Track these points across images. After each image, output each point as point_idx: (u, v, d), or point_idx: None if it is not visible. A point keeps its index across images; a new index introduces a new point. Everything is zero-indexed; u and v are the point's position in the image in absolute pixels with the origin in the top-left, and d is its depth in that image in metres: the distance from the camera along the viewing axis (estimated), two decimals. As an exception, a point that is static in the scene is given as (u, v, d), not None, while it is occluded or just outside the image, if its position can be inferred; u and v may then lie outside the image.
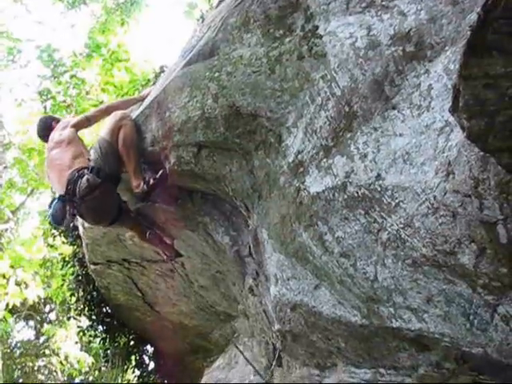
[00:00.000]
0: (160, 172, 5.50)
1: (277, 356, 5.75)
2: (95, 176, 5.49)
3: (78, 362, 15.68)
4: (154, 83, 8.55)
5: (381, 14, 3.75)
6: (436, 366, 3.82)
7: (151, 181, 5.45)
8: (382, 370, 4.27)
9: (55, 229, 10.40)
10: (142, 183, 5.49)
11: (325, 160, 4.05)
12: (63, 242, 10.73)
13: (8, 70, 17.31)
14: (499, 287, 3.21)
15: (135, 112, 6.06)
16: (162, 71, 8.88)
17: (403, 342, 3.92)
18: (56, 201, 5.76)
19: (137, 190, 5.53)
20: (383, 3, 3.78)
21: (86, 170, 5.55)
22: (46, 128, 6.66)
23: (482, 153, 2.90)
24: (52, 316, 18.12)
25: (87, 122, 6.35)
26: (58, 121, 6.69)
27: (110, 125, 5.71)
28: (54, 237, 10.75)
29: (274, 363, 5.86)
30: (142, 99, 6.29)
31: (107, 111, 6.22)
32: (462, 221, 3.19)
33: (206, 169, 5.28)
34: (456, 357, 3.62)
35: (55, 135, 6.22)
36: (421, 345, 3.81)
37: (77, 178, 5.54)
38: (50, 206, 6.16)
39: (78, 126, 6.26)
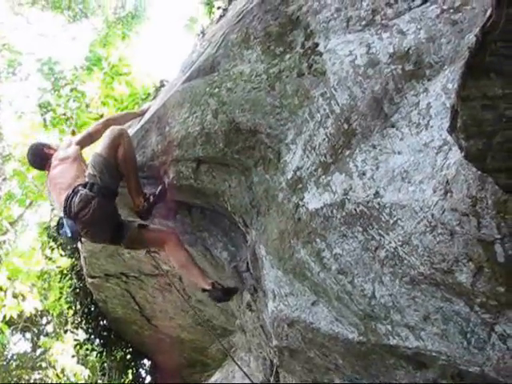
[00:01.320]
0: (159, 188, 5.50)
1: (274, 372, 5.75)
2: (88, 191, 5.45)
3: (75, 375, 15.63)
4: (153, 97, 8.58)
5: (380, 32, 3.78)
6: (433, 384, 3.82)
7: (151, 198, 5.44)
8: (378, 388, 4.27)
9: (53, 241, 10.39)
10: (143, 200, 5.47)
11: (323, 177, 4.06)
12: (61, 255, 10.73)
13: (8, 83, 17.36)
14: (496, 306, 3.22)
15: (135, 127, 6.08)
16: (162, 85, 8.90)
17: (400, 360, 3.92)
18: (63, 220, 5.71)
19: (137, 208, 5.52)
20: (383, 22, 3.80)
21: (80, 187, 5.51)
22: (39, 157, 6.50)
23: (479, 172, 2.91)
24: (49, 328, 18.06)
25: (90, 138, 6.28)
26: (48, 146, 6.53)
27: (108, 141, 5.65)
28: (52, 249, 10.75)
29: (271, 379, 5.85)
30: (142, 114, 6.29)
31: (107, 125, 6.19)
32: (460, 239, 3.19)
33: (205, 184, 5.30)
34: (453, 375, 3.62)
35: (59, 153, 6.17)
36: (418, 363, 3.81)
37: (72, 196, 5.50)
38: (60, 226, 6.02)
39: (83, 143, 6.20)
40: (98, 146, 5.80)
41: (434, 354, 3.61)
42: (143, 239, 5.84)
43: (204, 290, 5.65)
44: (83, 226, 5.55)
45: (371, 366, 4.21)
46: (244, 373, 6.30)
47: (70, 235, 5.68)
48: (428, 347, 3.61)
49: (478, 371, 3.43)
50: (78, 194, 5.43)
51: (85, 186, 5.46)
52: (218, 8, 8.50)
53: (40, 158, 6.44)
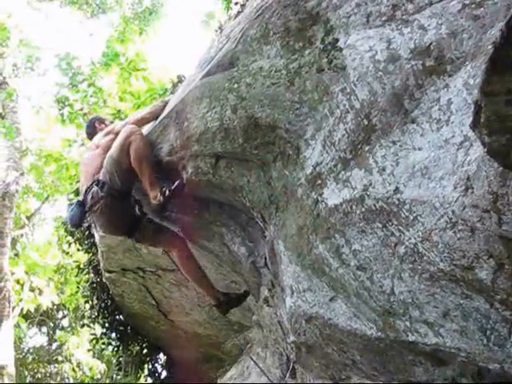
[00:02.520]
0: (176, 182, 5.52)
1: (291, 367, 5.75)
2: (99, 190, 5.57)
3: (90, 369, 15.72)
4: (171, 93, 8.60)
5: (401, 27, 3.76)
6: (452, 382, 3.80)
7: (167, 192, 5.46)
8: (397, 385, 4.26)
9: (71, 235, 10.46)
10: (159, 194, 5.50)
11: (343, 172, 4.05)
12: (78, 249, 10.78)
13: (26, 78, 17.45)
14: (517, 304, 3.21)
15: (153, 122, 6.09)
16: (180, 81, 8.92)
17: (419, 357, 3.91)
18: (75, 205, 5.89)
19: (154, 201, 5.55)
20: (403, 17, 3.79)
21: (95, 183, 5.65)
22: (89, 129, 6.99)
23: (501, 168, 2.90)
24: (65, 322, 18.18)
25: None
26: (101, 121, 6.91)
27: (119, 142, 5.74)
28: (70, 244, 10.81)
29: (287, 375, 5.85)
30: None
31: (142, 121, 6.26)
32: (481, 236, 3.18)
33: (224, 179, 5.30)
34: (473, 372, 3.60)
35: (96, 138, 6.34)
36: (437, 359, 3.80)
37: (91, 189, 5.65)
38: (69, 209, 6.28)
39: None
40: (112, 147, 5.86)
41: (453, 350, 3.59)
42: (155, 243, 5.99)
43: (213, 305, 5.79)
44: (96, 219, 5.74)
45: (389, 362, 4.20)
46: (260, 369, 6.32)
47: (69, 221, 6.17)
48: (447, 344, 3.60)
49: (497, 368, 3.41)
50: (91, 191, 5.57)
51: (98, 182, 5.58)
52: (236, 3, 8.50)
53: (89, 130, 6.95)
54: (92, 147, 6.30)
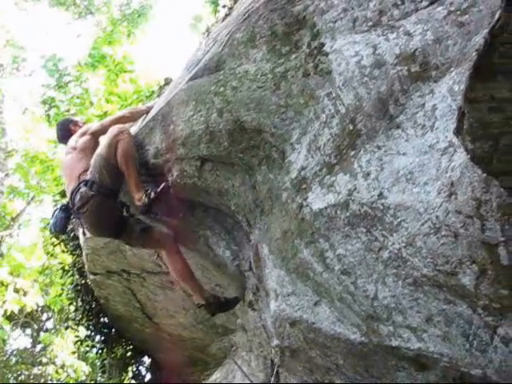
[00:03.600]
0: (162, 185, 5.50)
1: (275, 371, 5.74)
2: (88, 189, 5.53)
3: (75, 371, 15.62)
4: (158, 95, 8.58)
5: (387, 33, 3.78)
6: (435, 386, 3.81)
7: (152, 194, 5.44)
8: (380, 389, 4.26)
9: (55, 237, 10.40)
10: (144, 196, 5.48)
11: (328, 177, 4.06)
12: (63, 251, 10.72)
13: (12, 78, 17.38)
14: (499, 309, 3.22)
15: (139, 124, 6.08)
16: (167, 83, 8.91)
17: (402, 361, 3.92)
18: (58, 210, 5.87)
19: (138, 202, 5.53)
20: (389, 23, 3.81)
21: (82, 184, 5.61)
22: (63, 132, 6.74)
23: (484, 174, 2.92)
24: (49, 324, 18.07)
25: (102, 130, 6.30)
26: (75, 123, 6.78)
27: (107, 140, 5.71)
28: (54, 245, 10.75)
29: (271, 378, 5.84)
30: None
31: (120, 121, 6.23)
32: (464, 241, 3.20)
33: (209, 183, 5.30)
34: (455, 377, 3.62)
35: (72, 140, 6.27)
36: (420, 364, 3.81)
37: (77, 190, 5.61)
38: (52, 215, 6.22)
39: (96, 134, 6.25)
40: (100, 145, 5.84)
41: (435, 355, 3.61)
42: (144, 243, 5.95)
43: (199, 305, 5.74)
44: (84, 221, 5.69)
45: (373, 367, 4.21)
46: (243, 372, 6.31)
47: (52, 228, 6.16)
48: (430, 349, 3.62)
49: (480, 374, 3.43)
50: (79, 191, 5.54)
51: (86, 183, 5.54)
52: (224, 7, 8.49)
53: (63, 132, 6.74)
54: (69, 150, 6.21)
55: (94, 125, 6.48)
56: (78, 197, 5.58)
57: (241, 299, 5.88)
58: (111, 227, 5.82)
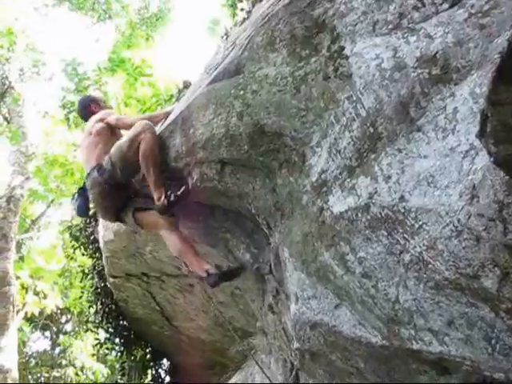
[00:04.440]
0: (182, 188, 5.52)
1: (294, 374, 5.74)
2: (99, 176, 5.69)
3: (94, 373, 15.72)
4: (177, 99, 8.62)
5: (407, 36, 3.77)
6: (457, 390, 3.79)
7: (172, 196, 5.47)
8: (401, 392, 4.24)
9: (75, 240, 10.48)
10: (164, 197, 5.51)
11: (348, 180, 4.06)
12: (83, 254, 10.80)
13: (32, 83, 17.51)
14: (522, 312, 3.20)
15: (159, 127, 6.10)
16: (185, 87, 8.94)
17: (424, 365, 3.90)
18: (78, 194, 6.10)
19: (158, 202, 5.56)
20: (410, 25, 3.80)
21: (95, 169, 5.78)
22: (83, 109, 7.07)
23: (507, 177, 2.90)
24: (69, 327, 18.19)
25: (117, 126, 6.46)
26: (97, 102, 7.08)
27: (130, 136, 5.77)
28: (74, 248, 10.83)
29: (291, 381, 5.84)
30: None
31: (153, 118, 6.34)
32: (486, 245, 3.18)
33: (229, 186, 5.31)
34: (477, 381, 3.60)
35: (90, 123, 6.44)
36: (441, 368, 3.79)
37: (91, 174, 5.79)
38: (75, 199, 6.43)
39: (111, 126, 6.43)
40: (123, 138, 5.93)
41: (457, 359, 3.58)
42: (140, 223, 6.03)
43: (200, 278, 5.70)
44: (92, 201, 5.92)
45: (394, 370, 4.19)
46: (264, 373, 6.31)
47: (76, 213, 6.54)
48: (452, 352, 3.59)
49: (502, 378, 3.41)
50: (91, 176, 5.74)
51: (99, 169, 5.70)
52: (242, 10, 8.53)
53: (84, 111, 7.05)
54: (86, 134, 6.40)
55: (112, 116, 6.54)
56: (88, 181, 5.76)
57: (244, 269, 5.82)
58: (113, 211, 5.98)
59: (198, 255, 5.77)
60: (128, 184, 6.01)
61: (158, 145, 5.76)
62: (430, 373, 3.90)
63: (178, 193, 5.50)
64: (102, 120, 6.35)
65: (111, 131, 6.31)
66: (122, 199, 5.95)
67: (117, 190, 5.85)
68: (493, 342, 3.38)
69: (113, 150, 5.80)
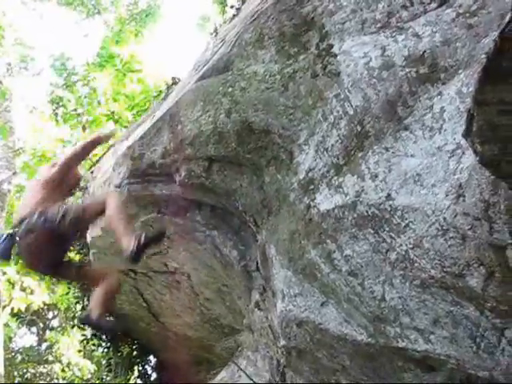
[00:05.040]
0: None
1: (281, 371, 5.74)
2: (41, 223, 5.25)
3: (80, 370, 15.65)
4: (165, 95, 8.59)
5: (395, 35, 3.78)
6: (441, 388, 3.81)
7: (142, 239, 4.85)
8: (386, 390, 4.26)
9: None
10: (133, 244, 5.13)
11: (335, 178, 4.07)
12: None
13: (21, 78, 17.40)
14: (507, 311, 3.22)
15: (147, 125, 6.08)
16: (174, 83, 8.91)
17: (409, 363, 3.92)
18: (5, 237, 5.52)
19: (127, 249, 4.91)
20: (398, 24, 3.81)
21: (35, 214, 5.35)
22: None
23: (492, 176, 2.92)
24: (55, 323, 18.10)
25: (60, 173, 5.77)
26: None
27: (94, 204, 5.39)
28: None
29: (277, 379, 5.84)
30: (101, 140, 6.05)
31: (72, 160, 5.93)
32: (472, 243, 3.20)
33: (217, 183, 5.31)
34: (462, 379, 3.62)
35: (43, 173, 6.03)
36: (426, 366, 3.81)
37: (28, 218, 5.34)
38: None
39: (57, 176, 5.87)
40: (85, 202, 5.69)
41: (442, 357, 3.61)
42: (82, 277, 5.82)
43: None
44: (22, 250, 5.40)
45: (379, 368, 4.21)
46: (246, 375, 6.31)
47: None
48: (437, 351, 3.62)
49: (487, 376, 3.44)
50: (29, 220, 5.24)
51: (41, 215, 5.27)
52: (231, 7, 8.50)
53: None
54: (33, 182, 6.11)
55: (54, 169, 6.12)
56: (26, 226, 5.32)
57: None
58: (45, 266, 5.60)
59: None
60: (67, 238, 5.66)
61: (122, 206, 5.48)
62: (415, 370, 3.93)
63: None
64: (54, 165, 5.96)
65: (59, 182, 5.88)
66: (59, 252, 5.60)
67: (55, 241, 5.47)
68: (477, 340, 3.41)
69: (70, 205, 5.48)
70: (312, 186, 4.28)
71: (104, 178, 7.09)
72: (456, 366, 3.55)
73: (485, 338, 3.37)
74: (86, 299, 9.97)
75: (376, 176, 3.74)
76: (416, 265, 3.55)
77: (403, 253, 3.61)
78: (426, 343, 3.66)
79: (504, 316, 3.26)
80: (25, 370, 16.32)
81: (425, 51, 3.57)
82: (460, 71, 3.40)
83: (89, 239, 8.12)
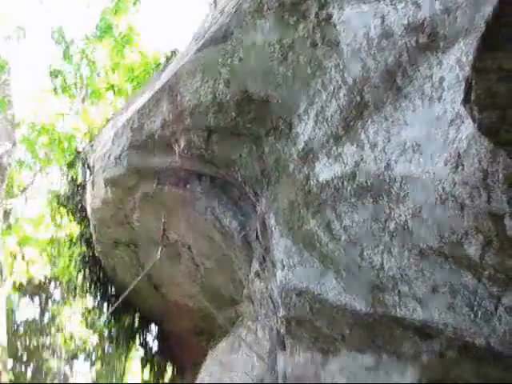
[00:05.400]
0: None
1: (281, 340, 5.79)
2: None
3: (83, 341, 15.78)
4: (164, 66, 8.54)
5: (395, 3, 3.74)
6: (439, 355, 3.85)
7: None
8: (384, 357, 4.30)
9: (63, 207, 10.46)
10: None
11: (335, 148, 4.07)
12: (70, 220, 10.77)
13: (20, 50, 17.32)
14: (504, 279, 3.25)
15: (146, 96, 6.07)
16: (173, 54, 8.85)
17: (407, 331, 3.96)
18: None
19: None
20: (398, -8, 3.77)
21: None
22: None
23: (491, 145, 2.92)
24: (57, 295, 18.19)
25: None
26: None
27: None
28: (62, 215, 10.80)
29: (277, 348, 5.89)
30: None
31: None
32: (470, 212, 3.21)
33: (216, 153, 5.30)
34: (459, 347, 3.66)
35: None
36: (424, 334, 3.85)
37: None
38: None
39: None
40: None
41: (440, 325, 3.65)
42: None
43: None
44: None
45: (378, 336, 4.25)
46: (246, 344, 6.36)
47: None
48: (435, 319, 3.65)
49: (483, 343, 3.48)
50: None
51: None
52: (231, -23, 8.40)
53: None
54: None
55: None
56: None
57: None
58: None
59: None
60: None
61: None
62: (413, 338, 3.97)
63: None
64: None
65: None
66: None
67: None
68: (475, 308, 3.44)
69: None
70: (311, 156, 4.28)
71: (104, 151, 7.08)
72: (453, 334, 3.59)
73: (482, 306, 3.40)
74: (86, 270, 10.03)
75: (375, 145, 3.74)
76: (414, 234, 3.57)
77: (402, 222, 3.63)
78: (424, 312, 3.70)
79: (501, 284, 3.28)
80: (28, 342, 16.46)
81: (425, 19, 3.54)
82: (460, 39, 3.37)
83: (89, 211, 8.14)
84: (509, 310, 3.31)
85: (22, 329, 17.17)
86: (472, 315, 3.46)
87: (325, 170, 4.15)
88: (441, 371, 3.91)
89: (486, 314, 3.38)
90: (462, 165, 3.17)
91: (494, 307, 3.33)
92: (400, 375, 4.18)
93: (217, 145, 5.24)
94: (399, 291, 3.79)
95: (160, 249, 6.71)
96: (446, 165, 3.27)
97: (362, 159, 3.83)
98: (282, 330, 5.55)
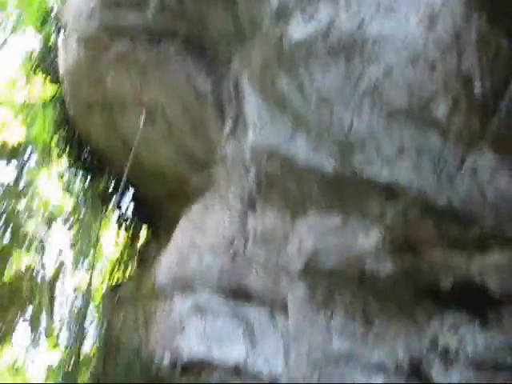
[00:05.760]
0: None
1: (252, 202, 5.88)
2: None
3: (59, 206, 15.91)
4: None
5: None
6: (402, 216, 3.96)
7: None
8: (351, 217, 4.41)
9: (37, 67, 10.26)
10: None
11: (309, 5, 3.99)
12: (44, 82, 10.59)
13: None
14: (469, 140, 3.31)
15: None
16: None
17: (373, 192, 4.04)
18: None
19: None
20: None
21: None
22: None
23: (464, 6, 2.89)
24: (32, 160, 18.15)
25: None
26: None
27: None
28: (36, 77, 10.61)
29: (248, 209, 5.99)
30: None
31: None
32: (440, 73, 3.23)
33: (190, 8, 5.16)
34: (421, 207, 3.76)
35: None
36: (390, 194, 3.93)
37: None
38: None
39: None
40: None
41: (405, 185, 3.73)
42: None
43: None
44: None
45: (345, 196, 4.34)
46: (220, 205, 6.42)
47: None
48: (401, 179, 3.73)
49: (445, 204, 3.57)
50: None
51: None
52: None
53: None
54: None
55: None
56: None
57: None
58: None
59: None
60: None
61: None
62: (379, 199, 4.06)
63: None
64: None
65: None
66: None
67: None
68: (439, 169, 3.52)
69: None
70: (286, 14, 4.19)
71: (76, 9, 6.89)
72: (417, 193, 3.68)
73: (446, 167, 3.48)
74: (61, 132, 9.98)
75: (350, 3, 3.67)
76: (385, 95, 3.59)
77: (373, 83, 3.63)
78: (390, 171, 3.77)
79: (466, 145, 3.35)
80: (4, 207, 16.55)
81: None
82: None
83: (62, 70, 8.01)
84: (471, 172, 3.39)
85: (-1, 192, 17.17)
86: (436, 176, 3.54)
87: (299, 28, 4.08)
88: (403, 231, 4.03)
89: (450, 174, 3.47)
90: (436, 24, 3.15)
91: (458, 166, 3.41)
92: (365, 235, 4.32)
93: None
94: (368, 150, 3.85)
95: (142, 118, 6.66)
96: (419, 24, 3.25)
97: (336, 16, 3.77)
98: (253, 191, 5.64)
